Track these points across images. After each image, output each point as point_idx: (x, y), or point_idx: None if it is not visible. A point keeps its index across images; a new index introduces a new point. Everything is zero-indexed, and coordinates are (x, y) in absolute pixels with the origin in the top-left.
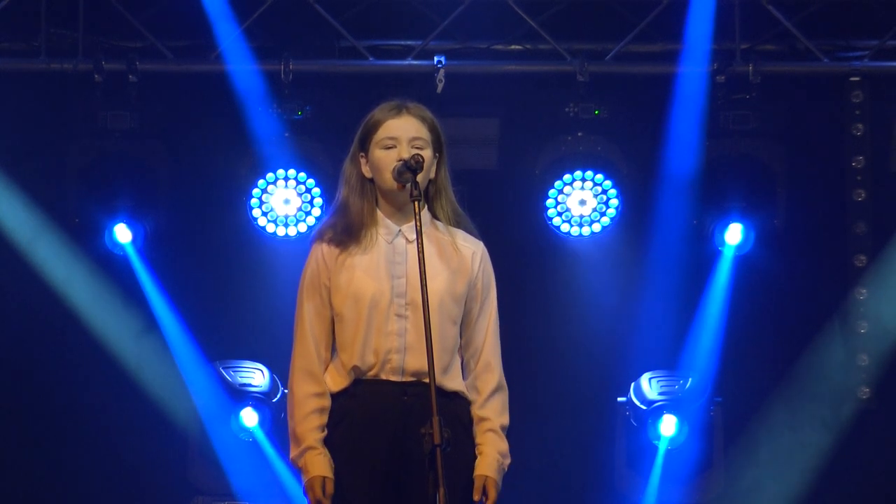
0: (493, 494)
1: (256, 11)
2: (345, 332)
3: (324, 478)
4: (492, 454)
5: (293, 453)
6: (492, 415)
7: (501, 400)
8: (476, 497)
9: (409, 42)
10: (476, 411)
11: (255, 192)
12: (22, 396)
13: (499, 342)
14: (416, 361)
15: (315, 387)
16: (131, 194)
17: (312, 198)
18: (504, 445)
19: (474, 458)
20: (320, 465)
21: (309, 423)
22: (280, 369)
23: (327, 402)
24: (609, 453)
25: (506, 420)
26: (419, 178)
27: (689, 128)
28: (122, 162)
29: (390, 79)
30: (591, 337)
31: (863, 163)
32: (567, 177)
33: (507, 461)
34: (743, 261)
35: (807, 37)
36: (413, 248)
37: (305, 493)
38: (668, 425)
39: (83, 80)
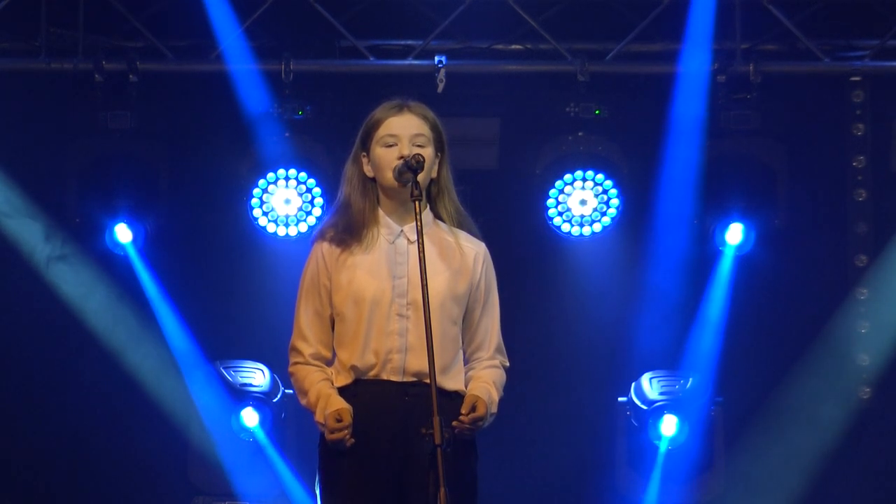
0: (481, 410)
1: (256, 11)
2: (345, 332)
3: (335, 412)
4: (482, 391)
5: (317, 417)
6: (486, 375)
7: (500, 374)
8: (464, 410)
9: (409, 42)
10: (471, 374)
11: (256, 191)
12: (22, 397)
13: (502, 341)
14: (417, 361)
15: (318, 367)
16: (131, 194)
17: (313, 198)
18: (495, 396)
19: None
20: (331, 405)
21: (321, 386)
22: (280, 369)
23: (332, 380)
24: (609, 453)
25: (500, 386)
26: (420, 177)
27: (689, 127)
28: (122, 162)
29: (390, 79)
30: (592, 337)
31: (863, 163)
32: (568, 176)
33: (494, 409)
34: (743, 261)
35: (807, 37)
36: (415, 248)
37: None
38: (669, 425)
39: (83, 80)
